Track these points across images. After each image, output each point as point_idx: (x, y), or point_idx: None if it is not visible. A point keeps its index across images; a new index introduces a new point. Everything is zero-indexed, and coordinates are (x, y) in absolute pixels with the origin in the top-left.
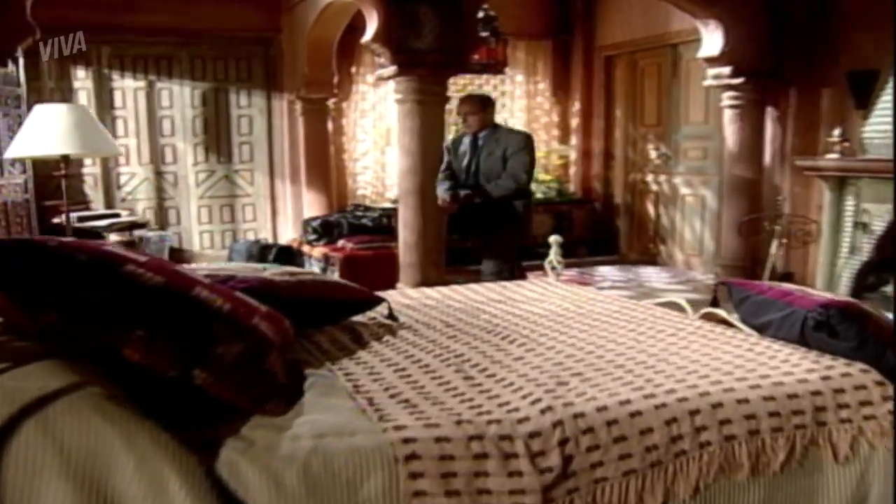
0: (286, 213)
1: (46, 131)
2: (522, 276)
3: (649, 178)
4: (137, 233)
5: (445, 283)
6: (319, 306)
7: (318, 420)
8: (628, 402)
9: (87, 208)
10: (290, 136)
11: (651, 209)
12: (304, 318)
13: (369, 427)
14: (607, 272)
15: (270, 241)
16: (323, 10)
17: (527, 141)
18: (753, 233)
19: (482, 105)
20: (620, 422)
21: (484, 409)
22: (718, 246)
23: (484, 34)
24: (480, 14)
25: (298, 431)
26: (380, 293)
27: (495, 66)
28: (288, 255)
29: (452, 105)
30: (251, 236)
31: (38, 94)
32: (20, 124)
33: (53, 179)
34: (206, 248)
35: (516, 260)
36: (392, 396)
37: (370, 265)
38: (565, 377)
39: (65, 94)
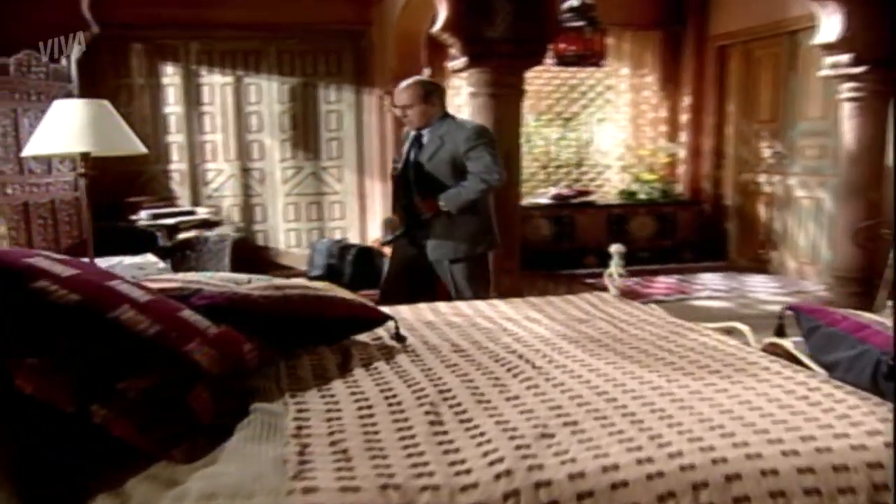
0: (375, 211)
1: (63, 128)
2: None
3: (762, 178)
4: (195, 232)
5: (519, 292)
6: (308, 324)
7: (220, 475)
8: (615, 467)
9: (172, 205)
10: (379, 132)
11: (763, 212)
12: (288, 338)
13: (274, 487)
14: (710, 280)
15: (354, 240)
16: (408, 0)
17: (483, 131)
18: (870, 241)
19: (423, 94)
20: (596, 495)
21: (429, 468)
22: (835, 254)
23: (577, 24)
24: (575, 2)
25: (188, 488)
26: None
27: (591, 58)
28: (367, 256)
29: (533, 99)
30: (338, 235)
31: (128, 91)
32: None
33: (140, 176)
34: (292, 246)
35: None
36: (333, 444)
37: None
38: (554, 427)
39: (153, 90)
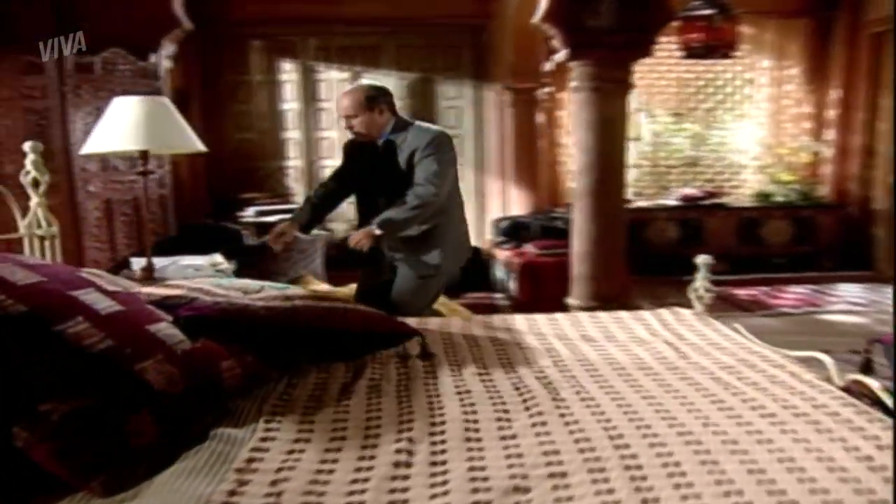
0: (494, 211)
1: (121, 126)
2: None
3: None
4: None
5: (626, 299)
6: (320, 338)
7: None
8: None
9: (286, 202)
10: (499, 129)
11: None
12: (296, 353)
13: None
14: (848, 292)
15: (473, 241)
16: None
17: (437, 139)
18: None
19: (366, 102)
20: None
21: None
22: None
23: (707, 12)
24: None
25: None
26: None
27: (720, 49)
28: (477, 257)
29: (662, 94)
30: None
31: (246, 87)
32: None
33: (257, 172)
34: None
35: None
36: (273, 483)
37: (551, 274)
38: (535, 479)
39: (271, 86)
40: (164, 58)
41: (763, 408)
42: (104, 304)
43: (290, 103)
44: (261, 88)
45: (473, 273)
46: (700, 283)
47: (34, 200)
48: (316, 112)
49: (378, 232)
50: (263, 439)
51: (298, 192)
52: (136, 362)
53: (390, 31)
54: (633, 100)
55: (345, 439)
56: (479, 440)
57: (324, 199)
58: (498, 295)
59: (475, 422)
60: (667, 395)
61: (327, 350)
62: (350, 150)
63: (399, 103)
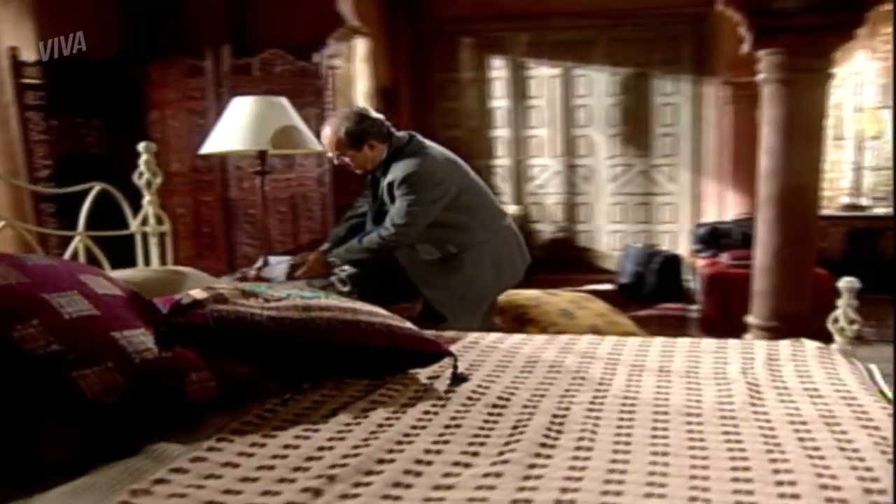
0: (711, 216)
1: (238, 125)
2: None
3: None
4: None
5: (802, 320)
6: (333, 353)
7: None
8: None
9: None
10: (718, 128)
11: None
12: (306, 367)
13: None
14: None
15: (665, 247)
16: None
17: (413, 176)
18: None
19: (349, 142)
20: None
21: None
22: None
23: None
24: None
25: None
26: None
27: None
28: (674, 265)
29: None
30: (666, 240)
31: (455, 85)
32: (321, 117)
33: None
34: (615, 249)
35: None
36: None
37: (742, 289)
38: None
39: (481, 83)
40: (325, 57)
41: (786, 472)
42: (74, 308)
43: (500, 101)
44: (470, 86)
45: (669, 282)
46: (842, 312)
47: (146, 199)
48: (525, 110)
49: (333, 261)
50: (193, 459)
51: (506, 192)
52: (75, 369)
53: (604, 24)
54: (873, 91)
55: (272, 468)
56: (408, 486)
57: (350, 231)
58: (694, 307)
59: (426, 467)
60: (684, 450)
61: (342, 366)
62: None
63: (610, 100)
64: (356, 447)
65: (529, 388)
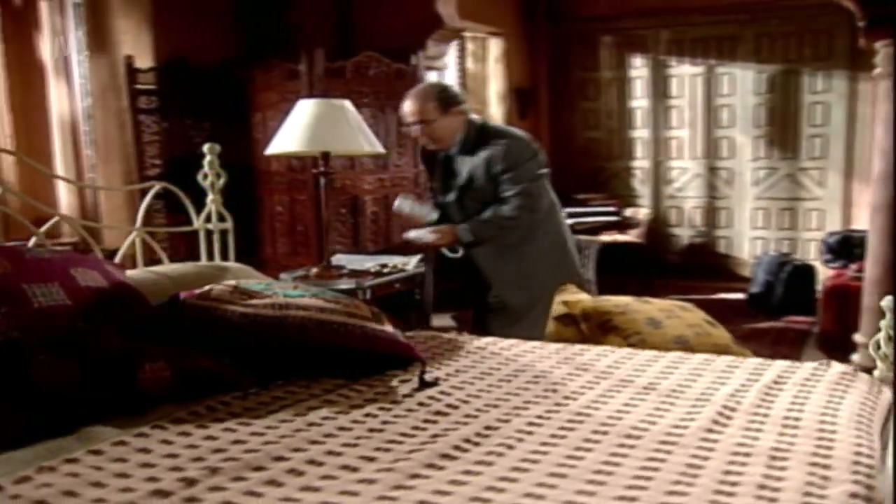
0: (862, 224)
1: (294, 128)
2: None
3: None
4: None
5: None
6: (305, 352)
7: None
8: None
9: (621, 204)
10: (874, 128)
11: None
12: (274, 363)
13: None
14: None
15: (800, 256)
16: None
17: (520, 145)
18: None
19: (441, 105)
20: None
21: None
22: None
23: None
24: None
25: None
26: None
27: None
28: (806, 276)
29: None
30: (811, 249)
31: (595, 85)
32: None
33: (603, 172)
34: (757, 256)
35: None
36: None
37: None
38: None
39: (620, 83)
40: (423, 58)
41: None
42: (48, 298)
43: (640, 101)
44: (610, 85)
45: (799, 293)
46: (884, 335)
47: (209, 198)
48: (666, 110)
49: (465, 237)
50: (115, 443)
51: (643, 195)
52: (32, 356)
53: (750, 19)
54: None
55: (177, 457)
56: (279, 485)
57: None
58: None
59: (319, 464)
60: (594, 469)
61: (317, 365)
62: (427, 161)
63: (755, 99)
64: (268, 443)
65: (490, 397)
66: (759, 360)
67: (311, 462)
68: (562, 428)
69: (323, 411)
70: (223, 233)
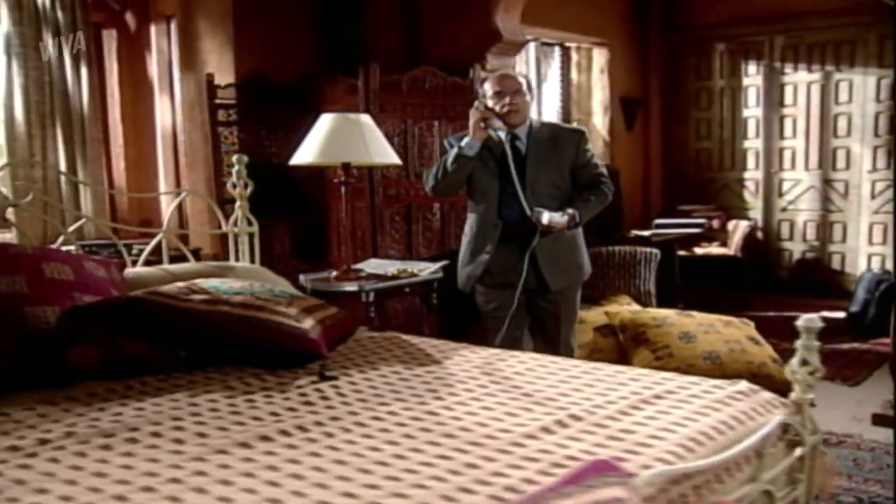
0: None
1: (313, 140)
2: None
3: None
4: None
5: None
6: (222, 343)
7: None
8: None
9: (741, 216)
10: None
11: None
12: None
13: None
14: None
15: None
16: None
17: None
18: None
19: (527, 87)
20: None
21: None
22: None
23: None
24: None
25: None
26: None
27: None
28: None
29: None
30: None
31: (707, 94)
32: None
33: (713, 183)
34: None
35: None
36: None
37: None
38: None
39: (733, 91)
40: (480, 71)
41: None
42: (7, 287)
43: (753, 110)
44: (722, 94)
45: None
46: (798, 357)
47: (237, 204)
48: (780, 119)
49: (577, 219)
50: (25, 408)
51: (754, 207)
52: None
53: (871, 21)
54: None
55: (33, 428)
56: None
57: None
58: None
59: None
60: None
61: (245, 355)
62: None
63: (876, 107)
64: (138, 416)
65: (372, 394)
66: (676, 375)
67: (155, 434)
68: (399, 424)
69: (214, 395)
70: (252, 236)
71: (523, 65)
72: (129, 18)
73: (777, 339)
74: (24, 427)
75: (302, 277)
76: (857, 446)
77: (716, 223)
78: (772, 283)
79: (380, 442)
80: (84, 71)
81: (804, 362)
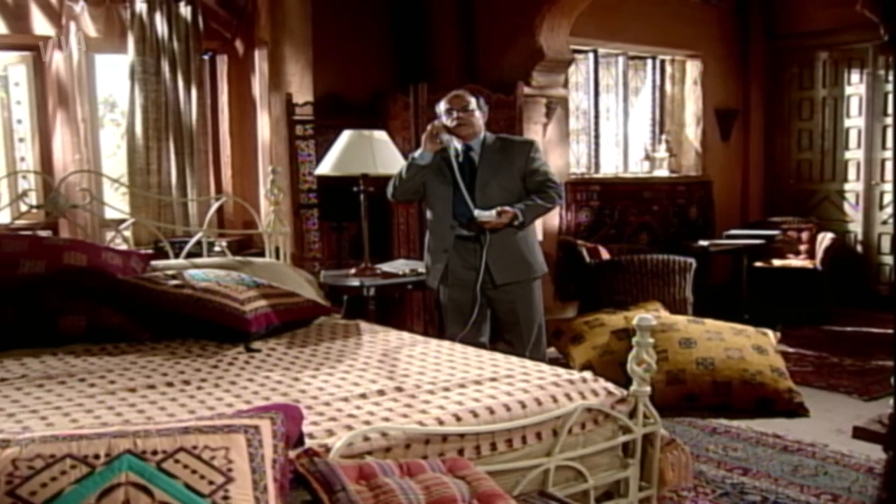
0: None
1: (332, 153)
2: None
3: None
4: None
5: None
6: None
7: None
8: None
9: (839, 229)
10: None
11: None
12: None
13: None
14: None
15: None
16: None
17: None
18: None
19: (478, 102)
20: None
21: None
22: None
23: None
24: None
25: None
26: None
27: None
28: None
29: None
30: None
31: (809, 104)
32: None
33: (813, 195)
34: None
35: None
36: None
37: None
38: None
39: (836, 101)
40: (522, 88)
41: None
42: (29, 269)
43: (855, 120)
44: (824, 104)
45: None
46: (633, 353)
47: (271, 208)
48: (883, 129)
49: (521, 218)
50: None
51: (854, 220)
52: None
53: None
54: None
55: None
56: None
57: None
58: None
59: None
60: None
61: (190, 329)
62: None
63: None
64: (89, 370)
65: (272, 363)
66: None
67: (101, 377)
68: (261, 385)
69: (158, 357)
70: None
71: (610, 78)
72: (238, 45)
73: (848, 353)
74: (20, 366)
75: (324, 273)
76: (812, 454)
77: (804, 235)
78: (865, 297)
79: (230, 396)
80: (194, 92)
81: (639, 360)
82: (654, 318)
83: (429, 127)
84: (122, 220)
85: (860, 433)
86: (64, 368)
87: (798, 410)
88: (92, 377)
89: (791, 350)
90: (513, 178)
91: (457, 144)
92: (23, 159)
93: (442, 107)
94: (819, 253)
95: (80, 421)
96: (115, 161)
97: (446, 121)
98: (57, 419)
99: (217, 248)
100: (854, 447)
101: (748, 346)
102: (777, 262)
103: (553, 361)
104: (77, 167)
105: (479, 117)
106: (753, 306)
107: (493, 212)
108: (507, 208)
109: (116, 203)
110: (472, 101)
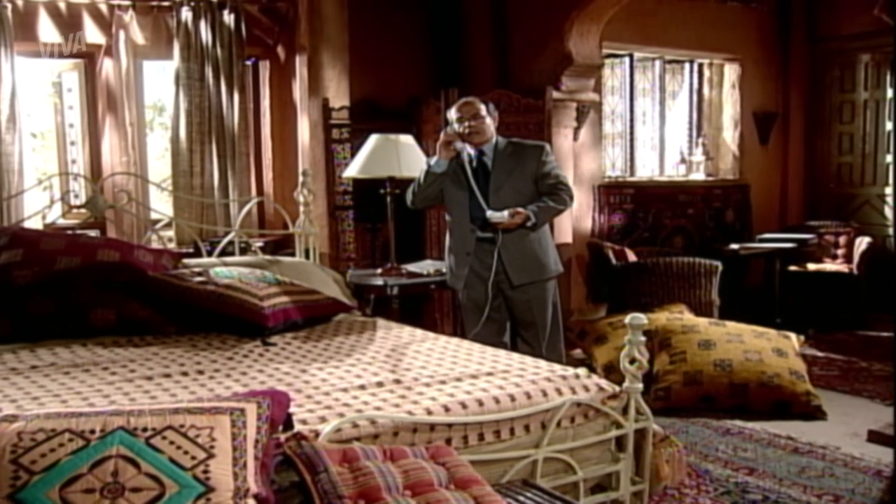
0: None
1: (359, 157)
2: None
3: None
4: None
5: None
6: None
7: None
8: None
9: (879, 233)
10: None
11: None
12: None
13: None
14: None
15: None
16: None
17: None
18: None
19: (488, 108)
20: None
21: None
22: None
23: None
24: None
25: None
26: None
27: None
28: None
29: None
30: None
31: (850, 107)
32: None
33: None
34: None
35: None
36: None
37: None
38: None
39: (877, 104)
40: (554, 93)
41: None
42: (65, 265)
43: None
44: (866, 107)
45: None
46: (625, 351)
47: (302, 209)
48: None
49: (533, 219)
50: (51, 348)
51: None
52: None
53: None
54: None
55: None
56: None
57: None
58: None
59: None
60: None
61: (213, 323)
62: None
63: None
64: (101, 357)
65: (284, 357)
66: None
67: (123, 367)
68: (269, 376)
69: (178, 350)
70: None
71: (647, 82)
72: (280, 51)
73: (878, 358)
74: (51, 354)
75: (350, 271)
76: (822, 457)
77: (842, 239)
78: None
79: (238, 385)
80: (236, 97)
81: (631, 358)
82: (642, 317)
83: (442, 135)
84: (158, 221)
85: (874, 436)
86: (90, 358)
87: (815, 413)
88: (115, 366)
89: (820, 354)
90: (525, 181)
91: (470, 150)
92: (74, 161)
93: (453, 115)
94: (856, 257)
95: (97, 405)
96: (163, 163)
97: (458, 128)
98: (76, 403)
99: (252, 249)
100: (866, 450)
101: (768, 348)
102: (812, 267)
103: (579, 362)
104: (124, 169)
105: (490, 123)
106: (786, 310)
107: (506, 213)
108: (519, 209)
109: (163, 204)
110: (482, 108)
